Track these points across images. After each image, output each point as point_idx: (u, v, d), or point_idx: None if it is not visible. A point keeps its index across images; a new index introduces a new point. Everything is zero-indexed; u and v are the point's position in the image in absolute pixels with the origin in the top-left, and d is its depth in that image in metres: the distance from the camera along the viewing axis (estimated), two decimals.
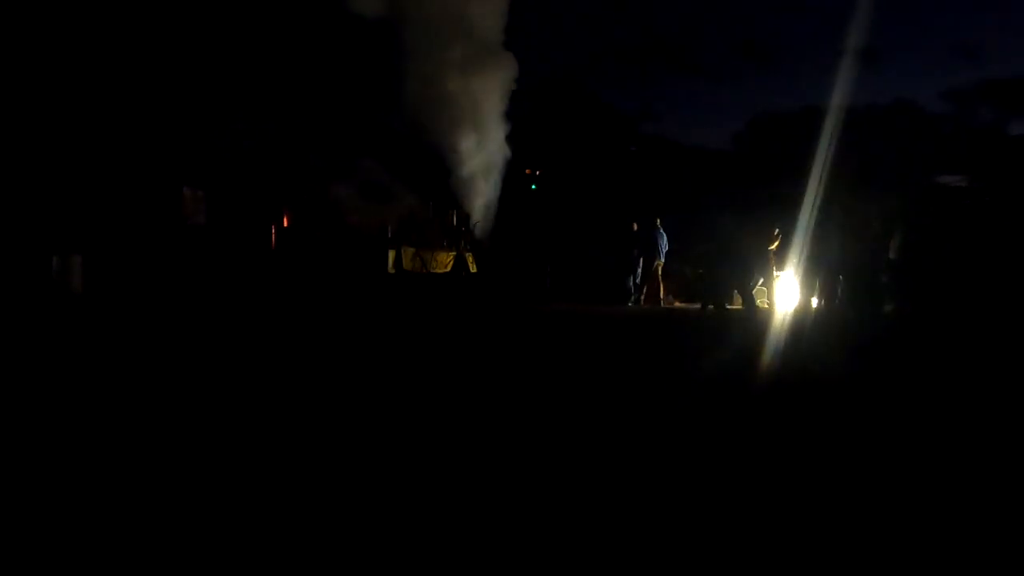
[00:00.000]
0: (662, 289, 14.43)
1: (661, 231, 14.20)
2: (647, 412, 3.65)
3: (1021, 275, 10.04)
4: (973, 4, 62.49)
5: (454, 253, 14.44)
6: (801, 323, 9.51)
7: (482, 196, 15.20)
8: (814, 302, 11.11)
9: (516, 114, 15.37)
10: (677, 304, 14.90)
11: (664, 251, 14.11)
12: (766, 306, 12.85)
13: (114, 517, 1.99)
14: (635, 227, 14.32)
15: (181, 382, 4.26)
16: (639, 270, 14.13)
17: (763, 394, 4.40)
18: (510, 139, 15.27)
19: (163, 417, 3.28)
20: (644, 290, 14.26)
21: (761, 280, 12.02)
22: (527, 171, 16.82)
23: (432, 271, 13.74)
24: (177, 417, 3.29)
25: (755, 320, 9.81)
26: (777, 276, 12.27)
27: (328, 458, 2.63)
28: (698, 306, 13.41)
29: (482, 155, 15.08)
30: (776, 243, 12.11)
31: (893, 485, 2.47)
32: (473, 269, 14.68)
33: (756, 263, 10.71)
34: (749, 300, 10.59)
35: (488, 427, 3.19)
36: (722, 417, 3.56)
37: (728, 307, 10.65)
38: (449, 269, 14.23)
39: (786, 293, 11.93)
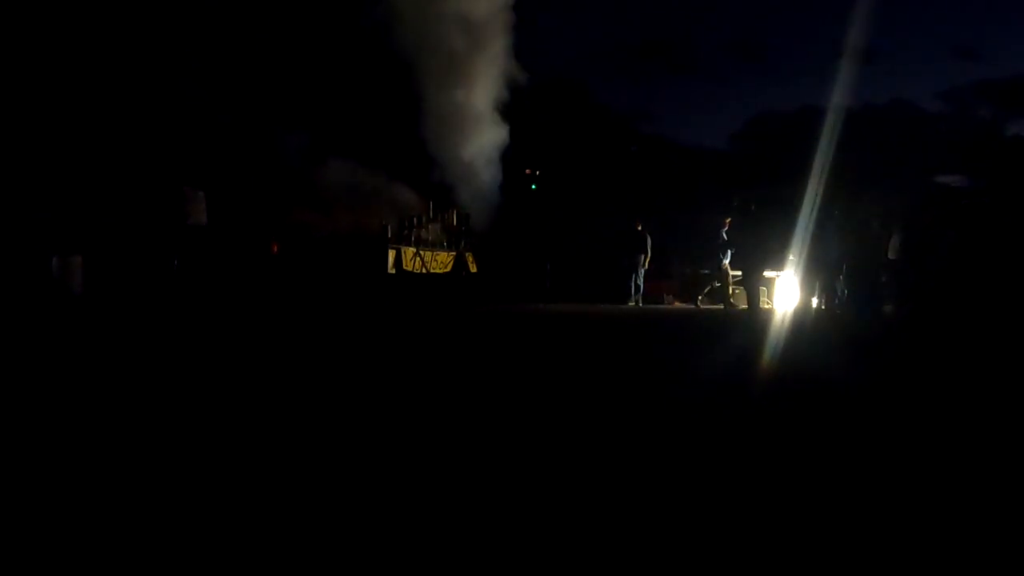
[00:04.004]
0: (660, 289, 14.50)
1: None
2: (646, 412, 3.65)
3: (1020, 274, 10.07)
4: (970, 4, 62.60)
5: (454, 253, 14.46)
6: (801, 323, 9.53)
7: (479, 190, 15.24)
8: (814, 302, 11.14)
9: (516, 114, 15.40)
10: (677, 304, 14.93)
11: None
12: (768, 306, 12.89)
13: (114, 517, 1.99)
14: (639, 227, 14.36)
15: (181, 382, 4.26)
16: (642, 270, 14.17)
17: (762, 394, 4.40)
18: (510, 139, 15.31)
19: (163, 417, 3.28)
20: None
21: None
22: (527, 171, 16.84)
23: (432, 271, 13.75)
24: (177, 416, 3.29)
25: (756, 320, 9.83)
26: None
27: (324, 457, 2.64)
28: (696, 306, 13.46)
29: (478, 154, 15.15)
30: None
31: (895, 486, 2.48)
32: (473, 269, 14.70)
33: (758, 262, 10.71)
34: (753, 299, 10.62)
35: (486, 428, 3.19)
36: (721, 418, 3.56)
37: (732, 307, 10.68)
38: (449, 269, 14.24)
39: (786, 293, 11.96)
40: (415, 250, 13.47)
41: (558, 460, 2.63)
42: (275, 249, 12.44)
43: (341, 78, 14.10)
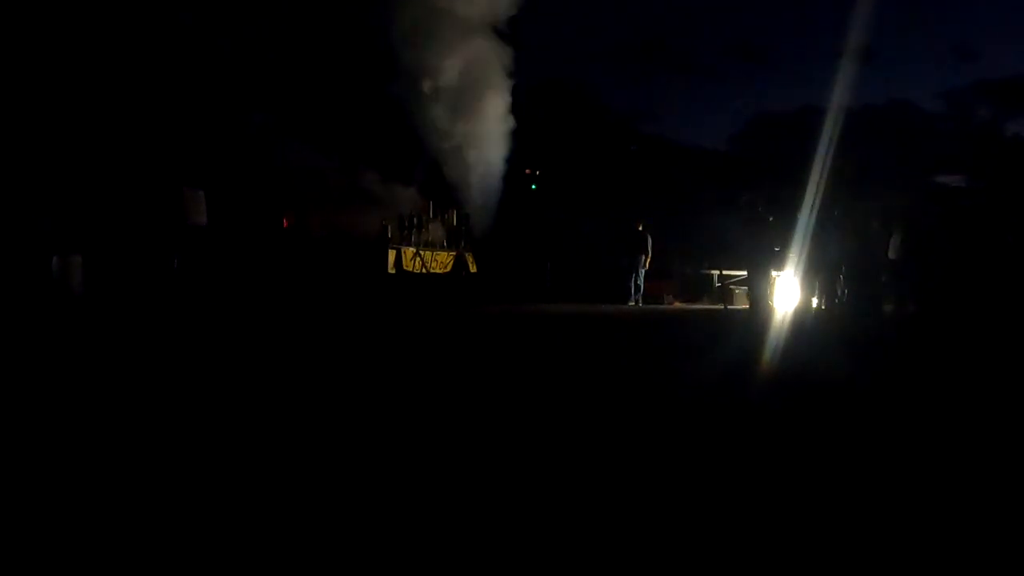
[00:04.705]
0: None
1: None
2: (646, 413, 3.65)
3: (1019, 274, 10.07)
4: (969, 5, 62.65)
5: (454, 253, 14.44)
6: (801, 323, 9.53)
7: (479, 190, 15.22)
8: (814, 302, 11.13)
9: (516, 114, 15.40)
10: (677, 304, 14.92)
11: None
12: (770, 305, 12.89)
13: (114, 517, 1.99)
14: (640, 227, 14.37)
15: (181, 382, 4.25)
16: (642, 270, 14.17)
17: (762, 394, 4.40)
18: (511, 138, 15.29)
19: (163, 417, 3.28)
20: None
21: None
22: (527, 171, 16.83)
23: (432, 271, 13.73)
24: (177, 417, 3.29)
25: (757, 320, 9.82)
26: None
27: (324, 456, 2.64)
28: (699, 306, 13.46)
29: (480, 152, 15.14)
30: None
31: (896, 487, 2.48)
32: (473, 269, 14.69)
33: (760, 262, 10.71)
34: (755, 299, 10.60)
35: (487, 428, 3.19)
36: (721, 417, 3.56)
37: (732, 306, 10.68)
38: (449, 269, 14.23)
39: (786, 293, 11.95)
40: (415, 250, 13.45)
41: (558, 460, 2.63)
42: (286, 224, 12.46)
43: (335, 71, 14.11)
